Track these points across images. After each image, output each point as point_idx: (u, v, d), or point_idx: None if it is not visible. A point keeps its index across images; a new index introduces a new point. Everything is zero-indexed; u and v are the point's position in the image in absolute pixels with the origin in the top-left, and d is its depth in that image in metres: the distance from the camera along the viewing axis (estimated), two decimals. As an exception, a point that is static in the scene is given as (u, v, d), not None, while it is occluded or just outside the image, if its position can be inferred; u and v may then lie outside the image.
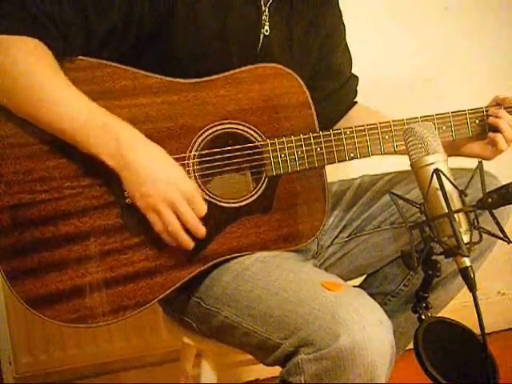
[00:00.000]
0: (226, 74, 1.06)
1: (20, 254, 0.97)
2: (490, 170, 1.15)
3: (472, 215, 0.92)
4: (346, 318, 0.89)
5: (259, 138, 1.08)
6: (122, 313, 1.01)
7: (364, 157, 1.14)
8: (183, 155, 1.04)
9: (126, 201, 1.00)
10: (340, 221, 1.27)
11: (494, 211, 0.92)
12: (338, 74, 1.32)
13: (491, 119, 1.19)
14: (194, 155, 1.05)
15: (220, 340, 1.11)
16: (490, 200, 0.91)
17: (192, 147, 1.05)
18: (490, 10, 1.87)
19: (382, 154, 1.15)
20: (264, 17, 1.13)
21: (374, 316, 0.91)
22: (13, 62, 0.94)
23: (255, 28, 1.12)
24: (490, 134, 1.18)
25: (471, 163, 1.22)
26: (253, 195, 1.09)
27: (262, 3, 1.12)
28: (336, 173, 1.27)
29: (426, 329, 0.91)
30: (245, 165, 1.08)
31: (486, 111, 1.20)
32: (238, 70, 1.07)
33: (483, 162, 0.96)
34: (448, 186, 0.91)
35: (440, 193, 0.91)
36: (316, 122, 1.11)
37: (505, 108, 1.19)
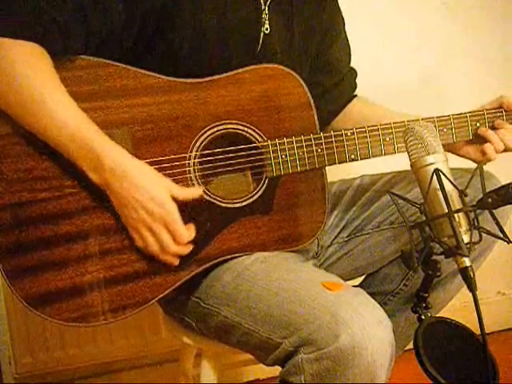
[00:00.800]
0: (227, 74, 1.06)
1: (20, 252, 0.97)
2: (489, 170, 1.15)
3: (472, 215, 0.92)
4: (346, 317, 0.89)
5: (260, 139, 1.08)
6: (121, 312, 1.01)
7: (364, 158, 1.14)
8: (184, 155, 1.04)
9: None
10: (340, 221, 1.28)
11: (494, 211, 0.92)
12: (337, 69, 1.32)
13: (481, 129, 1.19)
14: (195, 155, 1.05)
15: (220, 340, 1.11)
16: (489, 200, 0.91)
17: (193, 147, 1.05)
18: (488, 6, 1.88)
19: (382, 155, 1.15)
20: (264, 15, 1.13)
21: (373, 316, 0.91)
22: (10, 65, 0.94)
23: (255, 26, 1.12)
24: (484, 146, 1.18)
25: (471, 163, 1.23)
26: (253, 196, 1.09)
27: (262, 2, 1.13)
28: (336, 173, 1.27)
29: (426, 329, 0.91)
30: (245, 165, 1.08)
31: (488, 114, 1.20)
32: (239, 71, 1.07)
33: (483, 162, 0.96)
34: (448, 186, 0.91)
35: (440, 193, 0.91)
36: (317, 123, 1.11)
37: (508, 114, 1.20)
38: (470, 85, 1.85)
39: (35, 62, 0.95)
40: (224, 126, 1.06)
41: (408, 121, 1.14)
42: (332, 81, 1.31)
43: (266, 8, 1.13)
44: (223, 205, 1.07)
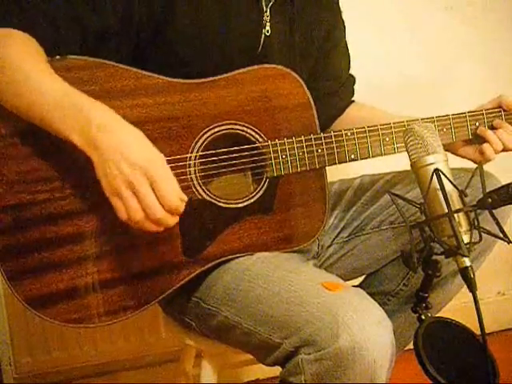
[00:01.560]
0: (227, 74, 1.06)
1: (20, 253, 0.97)
2: (489, 170, 1.15)
3: (472, 215, 0.92)
4: (346, 318, 0.89)
5: (260, 139, 1.08)
6: (122, 313, 1.01)
7: (364, 158, 1.14)
8: (184, 156, 1.04)
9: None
10: (340, 221, 1.28)
11: (493, 211, 0.92)
12: (336, 76, 1.33)
13: (480, 129, 1.19)
14: (196, 156, 1.05)
15: (220, 340, 1.11)
16: (489, 200, 0.91)
17: (193, 148, 1.05)
18: (491, 9, 1.88)
19: (382, 155, 1.15)
20: (265, 17, 1.13)
21: (374, 316, 0.92)
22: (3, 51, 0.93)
23: (256, 28, 1.12)
24: (482, 145, 1.18)
25: (471, 163, 1.23)
26: (253, 196, 1.09)
27: (264, 4, 1.13)
28: (336, 173, 1.28)
29: (426, 329, 0.91)
30: (246, 165, 1.08)
31: (487, 114, 1.20)
32: (239, 71, 1.07)
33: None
34: (448, 186, 0.91)
35: (440, 193, 0.91)
36: (317, 123, 1.11)
37: (507, 114, 1.20)
38: (470, 85, 1.86)
39: (26, 46, 0.94)
40: (224, 127, 1.06)
41: (408, 121, 1.15)
42: (331, 87, 1.31)
43: (268, 10, 1.13)
44: (224, 205, 1.07)
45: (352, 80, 1.36)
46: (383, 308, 0.95)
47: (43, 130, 0.96)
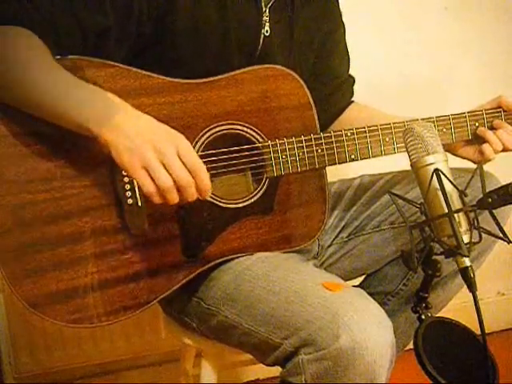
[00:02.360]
0: (227, 74, 1.07)
1: (20, 253, 0.96)
2: (489, 170, 1.15)
3: (472, 215, 0.92)
4: (347, 318, 0.89)
5: (260, 139, 1.08)
6: (122, 313, 1.01)
7: (364, 158, 1.14)
8: (184, 156, 1.04)
9: (128, 201, 1.00)
10: (340, 221, 1.28)
11: (494, 211, 0.92)
12: (336, 77, 1.33)
13: (480, 129, 1.19)
14: (196, 156, 1.05)
15: (220, 340, 1.12)
16: (489, 200, 0.91)
17: (193, 148, 1.04)
18: (490, 9, 1.88)
19: (382, 155, 1.15)
20: (264, 17, 1.13)
21: (374, 316, 0.92)
22: (7, 47, 0.93)
23: (255, 28, 1.12)
24: (482, 146, 1.19)
25: (471, 163, 1.23)
26: (254, 196, 1.09)
27: (263, 4, 1.13)
28: (336, 172, 1.28)
29: (426, 329, 0.91)
30: (246, 166, 1.08)
31: (486, 114, 1.20)
32: (239, 71, 1.07)
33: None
34: (448, 186, 0.91)
35: (440, 193, 0.91)
36: (317, 123, 1.11)
37: (507, 114, 1.20)
38: (470, 85, 1.86)
39: (32, 41, 0.94)
40: (224, 127, 1.06)
41: (408, 121, 1.15)
42: (330, 87, 1.31)
43: (267, 10, 1.13)
44: (224, 205, 1.07)
45: (352, 80, 1.36)
46: (383, 308, 0.96)
47: (43, 130, 0.96)
